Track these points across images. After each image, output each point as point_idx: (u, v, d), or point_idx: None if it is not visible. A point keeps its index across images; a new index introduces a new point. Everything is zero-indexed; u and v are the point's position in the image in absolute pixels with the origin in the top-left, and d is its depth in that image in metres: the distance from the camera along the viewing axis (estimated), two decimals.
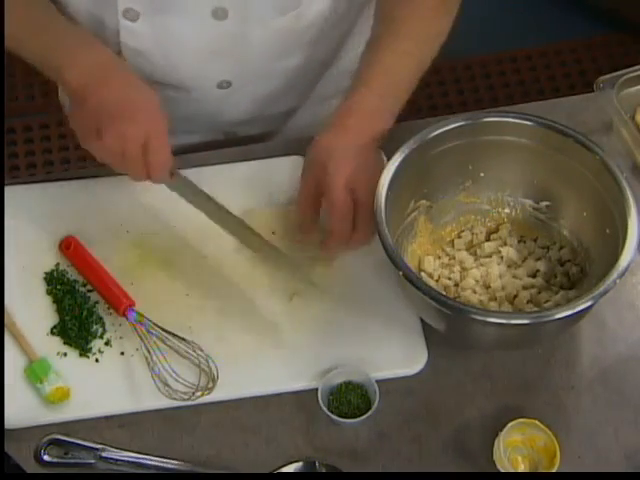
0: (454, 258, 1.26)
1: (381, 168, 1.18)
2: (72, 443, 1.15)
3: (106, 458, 1.14)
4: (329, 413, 1.14)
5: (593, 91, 1.37)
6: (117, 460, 1.14)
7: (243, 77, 1.38)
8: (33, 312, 1.23)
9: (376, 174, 1.18)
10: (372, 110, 1.24)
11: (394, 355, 1.21)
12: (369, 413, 1.14)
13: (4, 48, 1.23)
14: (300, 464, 1.14)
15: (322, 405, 1.14)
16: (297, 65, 1.40)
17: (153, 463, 1.14)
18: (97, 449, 1.14)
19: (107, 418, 1.17)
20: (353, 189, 1.20)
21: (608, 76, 1.37)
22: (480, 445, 1.16)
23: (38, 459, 1.14)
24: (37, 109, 2.65)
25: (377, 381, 1.17)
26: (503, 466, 1.12)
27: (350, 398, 1.17)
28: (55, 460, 1.14)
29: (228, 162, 1.36)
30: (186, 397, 1.15)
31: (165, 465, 1.14)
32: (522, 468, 1.13)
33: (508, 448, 1.13)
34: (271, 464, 1.14)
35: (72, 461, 1.14)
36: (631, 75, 1.38)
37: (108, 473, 1.14)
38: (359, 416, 1.15)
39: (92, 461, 1.14)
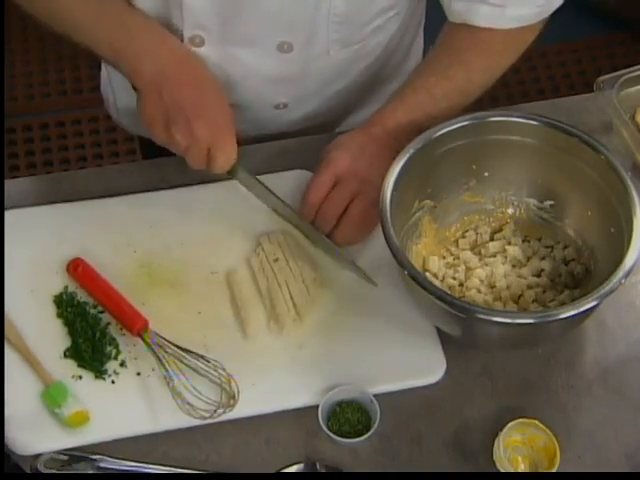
0: (459, 258, 1.26)
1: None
2: (69, 454, 1.13)
3: (104, 469, 1.13)
4: (329, 433, 1.13)
5: (593, 91, 1.37)
6: (115, 470, 1.13)
7: (299, 99, 1.40)
8: (45, 336, 1.21)
9: (378, 178, 1.18)
10: (399, 124, 1.26)
11: (411, 366, 1.19)
12: (369, 433, 1.13)
13: (4, 48, 1.24)
14: (301, 465, 1.14)
15: (322, 425, 1.14)
16: (352, 83, 1.42)
17: (151, 471, 1.13)
18: (95, 460, 1.13)
19: (116, 443, 1.15)
20: (348, 182, 1.24)
21: (608, 76, 1.37)
22: (480, 445, 1.16)
23: (34, 471, 1.12)
24: (37, 109, 2.65)
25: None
26: (503, 466, 1.12)
27: (348, 416, 1.16)
28: (53, 472, 1.12)
29: None
30: (207, 415, 1.14)
31: (164, 473, 1.13)
32: (522, 468, 1.13)
33: (508, 448, 1.13)
34: (271, 465, 1.14)
35: (69, 472, 1.12)
36: (631, 75, 1.38)
37: (108, 473, 1.13)
38: (360, 432, 1.14)
39: (90, 472, 1.12)
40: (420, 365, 1.20)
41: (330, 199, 1.25)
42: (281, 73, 1.34)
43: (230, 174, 1.26)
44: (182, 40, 1.29)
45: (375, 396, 1.16)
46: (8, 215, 1.30)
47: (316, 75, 1.36)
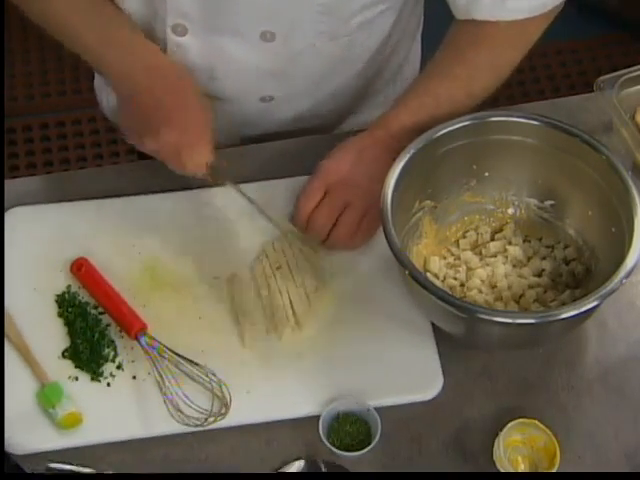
0: (459, 258, 1.26)
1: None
2: (65, 469, 1.12)
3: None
4: (330, 446, 1.13)
5: (593, 91, 1.37)
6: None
7: (287, 93, 1.39)
8: (44, 335, 1.21)
9: (374, 184, 1.18)
10: (403, 127, 1.26)
11: (408, 381, 1.19)
12: (372, 444, 1.13)
13: (4, 48, 1.25)
14: (302, 462, 1.14)
15: (323, 438, 1.13)
16: (344, 85, 1.42)
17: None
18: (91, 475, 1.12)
19: (117, 443, 1.15)
20: (339, 191, 1.24)
21: (608, 76, 1.37)
22: (480, 445, 1.16)
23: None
24: (37, 109, 2.65)
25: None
26: (503, 466, 1.12)
27: (347, 429, 1.15)
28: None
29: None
30: (198, 423, 1.13)
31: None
32: (522, 468, 1.13)
33: (508, 448, 1.13)
34: (272, 464, 1.14)
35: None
36: (631, 75, 1.38)
37: (108, 473, 1.13)
38: (362, 442, 1.14)
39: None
40: (418, 379, 1.19)
41: (319, 209, 1.24)
42: (265, 64, 1.33)
43: (216, 181, 1.26)
44: (165, 29, 1.29)
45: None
46: (13, 212, 1.30)
47: (304, 69, 1.35)
